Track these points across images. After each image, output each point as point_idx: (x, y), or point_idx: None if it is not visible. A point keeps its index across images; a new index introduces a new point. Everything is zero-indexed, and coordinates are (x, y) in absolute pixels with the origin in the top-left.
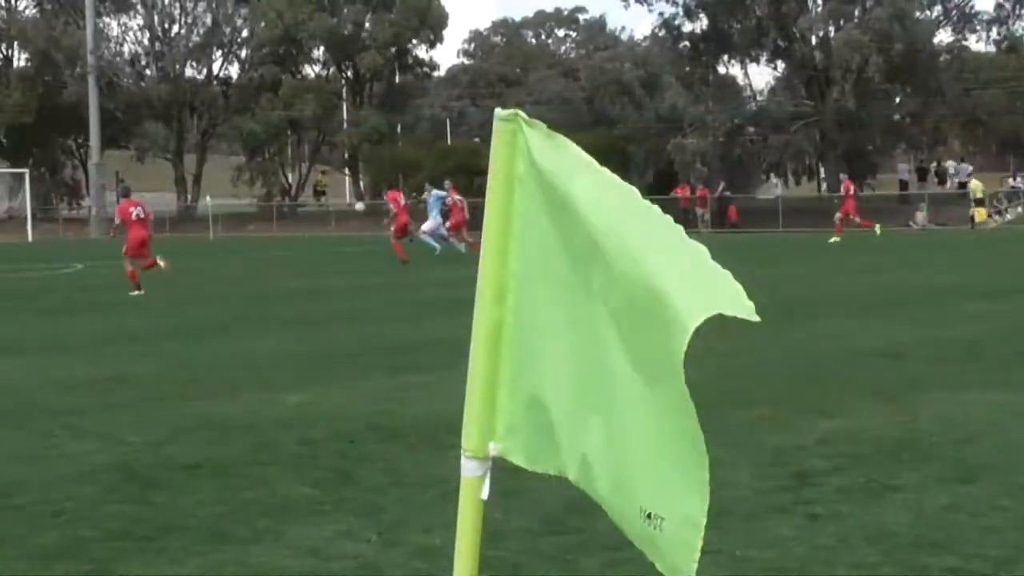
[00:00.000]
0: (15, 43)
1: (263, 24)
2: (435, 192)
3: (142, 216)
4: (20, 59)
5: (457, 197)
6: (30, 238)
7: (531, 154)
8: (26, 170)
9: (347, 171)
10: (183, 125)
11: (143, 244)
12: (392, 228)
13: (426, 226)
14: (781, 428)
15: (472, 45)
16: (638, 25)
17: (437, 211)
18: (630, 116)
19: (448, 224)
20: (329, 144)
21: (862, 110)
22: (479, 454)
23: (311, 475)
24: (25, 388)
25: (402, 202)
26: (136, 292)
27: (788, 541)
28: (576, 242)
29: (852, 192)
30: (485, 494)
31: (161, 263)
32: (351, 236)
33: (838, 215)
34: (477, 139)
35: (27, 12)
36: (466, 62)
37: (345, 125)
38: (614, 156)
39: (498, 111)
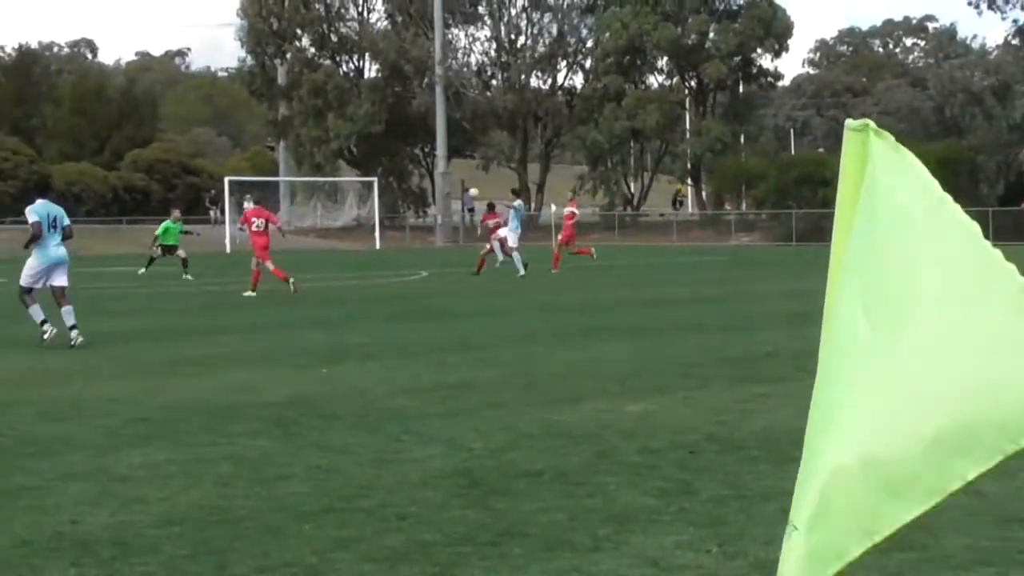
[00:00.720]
0: (366, 54)
1: (607, 34)
2: (517, 203)
3: (262, 228)
4: (371, 70)
5: (570, 209)
6: (377, 245)
7: (875, 167)
8: (375, 179)
9: (690, 181)
10: (527, 134)
11: (264, 248)
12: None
13: (511, 241)
14: None
15: (817, 54)
16: (990, 33)
17: (517, 223)
18: (980, 126)
19: (561, 237)
20: (671, 154)
21: None
22: None
23: (651, 485)
24: (374, 393)
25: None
26: (250, 293)
27: None
28: (895, 278)
29: None
30: None
31: (291, 283)
32: (692, 246)
33: None
34: (821, 149)
35: (378, 24)
36: (811, 71)
37: (688, 135)
38: (963, 167)
39: (848, 121)
